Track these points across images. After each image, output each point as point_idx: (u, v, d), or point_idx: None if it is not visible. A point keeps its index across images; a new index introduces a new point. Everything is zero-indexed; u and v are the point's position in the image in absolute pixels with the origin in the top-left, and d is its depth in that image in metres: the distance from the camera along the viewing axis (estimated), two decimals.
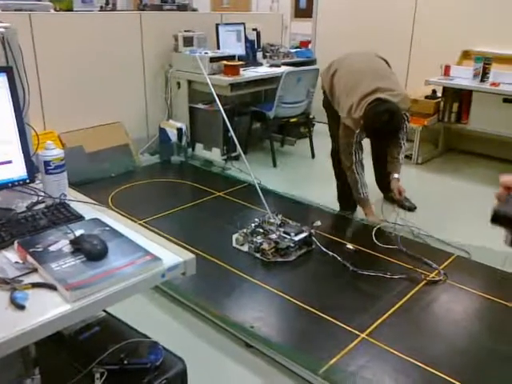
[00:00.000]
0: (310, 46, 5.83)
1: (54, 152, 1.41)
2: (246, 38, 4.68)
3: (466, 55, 4.50)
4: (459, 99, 4.27)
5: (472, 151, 4.60)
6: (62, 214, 1.30)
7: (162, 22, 4.32)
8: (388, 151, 3.00)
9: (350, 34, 4.95)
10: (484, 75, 4.09)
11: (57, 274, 1.03)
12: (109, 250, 1.12)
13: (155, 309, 2.29)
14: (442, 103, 4.37)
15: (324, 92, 3.16)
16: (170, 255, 1.15)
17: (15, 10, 3.54)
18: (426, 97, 4.49)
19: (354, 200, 3.28)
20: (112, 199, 3.37)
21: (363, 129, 2.74)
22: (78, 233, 1.19)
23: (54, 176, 1.41)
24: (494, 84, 4.03)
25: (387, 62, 3.07)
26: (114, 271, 1.06)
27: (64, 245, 1.15)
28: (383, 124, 2.61)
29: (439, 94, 4.46)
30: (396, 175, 3.02)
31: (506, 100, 3.94)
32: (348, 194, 3.26)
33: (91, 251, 1.10)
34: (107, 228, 1.24)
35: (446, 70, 4.41)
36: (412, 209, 3.34)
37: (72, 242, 1.15)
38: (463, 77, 4.27)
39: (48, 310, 0.95)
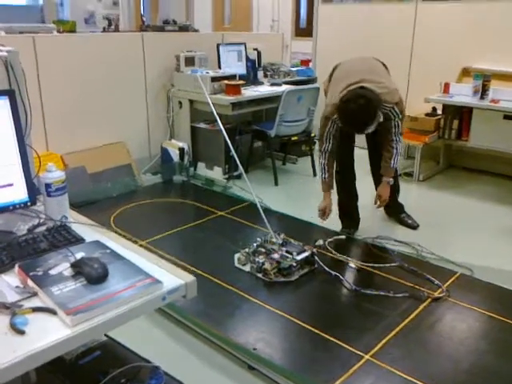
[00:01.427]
0: (310, 65, 5.88)
1: (55, 174, 1.41)
2: (246, 57, 4.73)
3: (465, 72, 4.54)
4: (459, 116, 4.29)
5: (473, 168, 4.60)
6: (62, 237, 1.30)
7: (163, 43, 4.37)
8: (382, 155, 2.98)
9: (350, 52, 4.92)
10: (484, 92, 4.11)
11: (57, 298, 1.03)
12: (109, 273, 1.12)
13: (156, 331, 2.27)
14: (442, 120, 4.39)
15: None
16: (171, 278, 1.15)
17: (19, 33, 3.59)
18: (427, 114, 4.51)
19: (356, 217, 3.28)
20: (114, 219, 3.37)
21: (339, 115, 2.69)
22: (79, 256, 1.18)
23: (55, 198, 1.42)
24: (493, 101, 4.05)
25: (385, 66, 3.09)
26: (115, 295, 1.05)
27: (64, 268, 1.15)
28: (358, 107, 2.53)
29: (439, 112, 4.49)
30: (387, 179, 3.00)
31: (506, 117, 3.94)
32: (350, 210, 3.26)
33: (91, 274, 1.10)
34: (108, 250, 1.24)
35: (446, 88, 4.45)
36: (414, 227, 3.34)
37: (72, 265, 1.14)
38: (463, 94, 4.29)
39: (48, 334, 0.95)
